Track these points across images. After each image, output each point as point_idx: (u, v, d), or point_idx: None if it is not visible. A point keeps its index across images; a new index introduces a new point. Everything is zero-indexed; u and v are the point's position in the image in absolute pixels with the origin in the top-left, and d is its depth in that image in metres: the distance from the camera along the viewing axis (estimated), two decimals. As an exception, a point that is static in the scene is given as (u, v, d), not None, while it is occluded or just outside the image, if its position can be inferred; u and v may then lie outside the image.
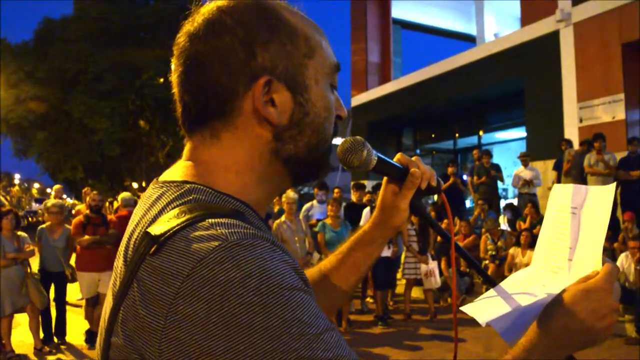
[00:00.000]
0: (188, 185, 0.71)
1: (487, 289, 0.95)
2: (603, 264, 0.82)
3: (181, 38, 0.76)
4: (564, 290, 0.81)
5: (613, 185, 0.86)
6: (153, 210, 0.70)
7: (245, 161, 0.76)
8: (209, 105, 0.74)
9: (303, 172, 0.82)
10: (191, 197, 0.69)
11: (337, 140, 0.96)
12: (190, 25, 0.76)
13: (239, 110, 0.74)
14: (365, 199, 8.99)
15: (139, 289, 0.62)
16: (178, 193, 0.70)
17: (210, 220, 0.63)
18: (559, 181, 9.25)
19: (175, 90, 0.78)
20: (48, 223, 7.11)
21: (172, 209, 0.67)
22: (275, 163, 0.77)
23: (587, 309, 0.77)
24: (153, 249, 0.62)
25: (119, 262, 0.69)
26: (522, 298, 0.88)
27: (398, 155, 1.01)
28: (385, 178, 1.02)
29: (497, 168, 11.10)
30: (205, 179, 0.73)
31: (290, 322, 0.58)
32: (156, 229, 0.64)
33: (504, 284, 0.95)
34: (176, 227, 0.62)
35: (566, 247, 0.90)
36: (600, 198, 0.87)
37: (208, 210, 0.66)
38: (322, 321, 0.62)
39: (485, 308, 0.92)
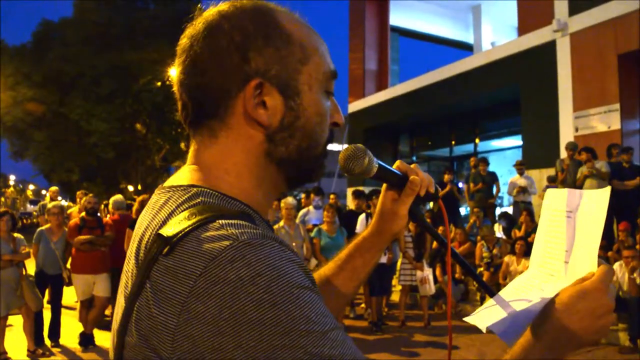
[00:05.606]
0: (195, 189, 0.73)
1: (482, 296, 0.96)
2: (598, 266, 0.84)
3: (183, 39, 0.80)
4: (561, 292, 0.83)
5: (608, 188, 0.87)
6: (162, 213, 0.72)
7: (243, 163, 0.78)
8: (204, 104, 0.77)
9: (296, 175, 0.84)
10: (199, 200, 0.71)
11: (333, 147, 0.98)
12: (192, 28, 0.79)
13: (232, 111, 0.76)
14: (363, 206, 8.98)
15: (152, 289, 0.64)
16: (186, 196, 0.72)
17: (220, 221, 0.65)
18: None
19: (175, 88, 0.82)
20: (48, 225, 7.08)
21: (182, 211, 0.69)
22: (270, 165, 0.80)
23: (584, 309, 0.79)
24: (165, 250, 0.64)
25: (129, 266, 0.71)
26: (520, 303, 0.90)
27: (397, 163, 1.03)
28: (384, 185, 1.04)
29: (493, 176, 11.13)
30: (210, 182, 0.76)
31: (298, 319, 0.59)
32: (168, 231, 0.65)
33: (503, 292, 0.96)
34: (188, 228, 0.64)
35: (562, 250, 0.91)
36: (596, 201, 0.88)
37: (217, 212, 0.67)
38: (329, 320, 0.63)
39: (485, 316, 0.94)
